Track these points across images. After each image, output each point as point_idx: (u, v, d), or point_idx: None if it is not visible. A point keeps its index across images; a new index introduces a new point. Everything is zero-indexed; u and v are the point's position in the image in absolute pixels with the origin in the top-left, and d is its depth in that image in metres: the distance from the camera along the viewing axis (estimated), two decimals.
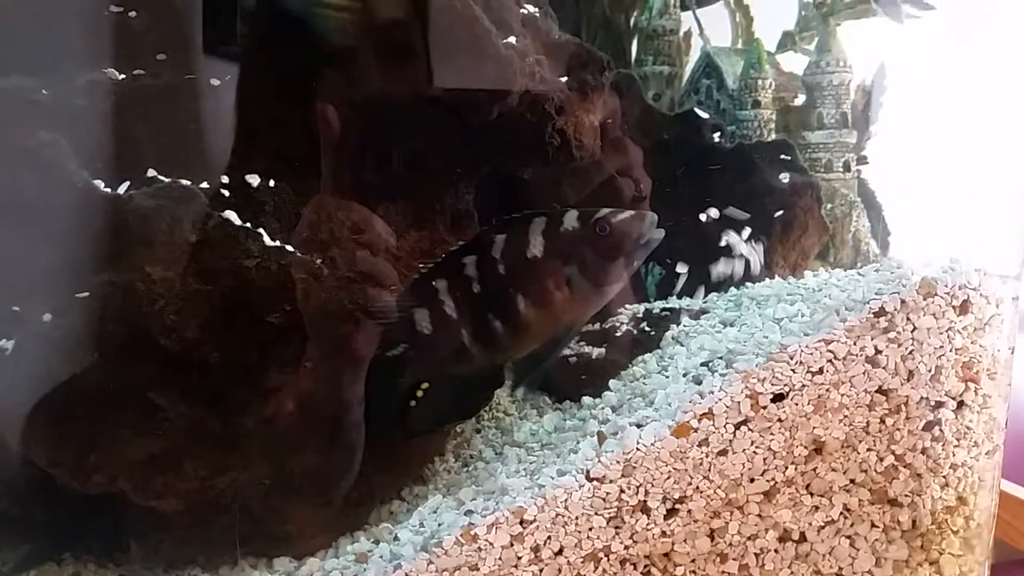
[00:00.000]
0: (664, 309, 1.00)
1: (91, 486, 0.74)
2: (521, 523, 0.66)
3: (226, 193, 0.79)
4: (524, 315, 0.77)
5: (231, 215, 0.78)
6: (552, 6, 0.94)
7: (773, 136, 1.14)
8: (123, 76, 0.80)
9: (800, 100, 1.20)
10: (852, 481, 0.71)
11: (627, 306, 1.01)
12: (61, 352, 0.75)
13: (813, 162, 1.14)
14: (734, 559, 0.70)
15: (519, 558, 0.65)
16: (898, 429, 0.71)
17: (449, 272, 0.78)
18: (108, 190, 0.76)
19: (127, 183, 0.76)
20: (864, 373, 0.70)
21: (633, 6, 1.25)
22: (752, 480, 0.69)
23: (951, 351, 0.72)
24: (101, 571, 0.81)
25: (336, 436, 0.78)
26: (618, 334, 0.98)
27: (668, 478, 0.67)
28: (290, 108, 0.86)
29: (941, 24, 1.00)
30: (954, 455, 0.73)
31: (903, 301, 0.71)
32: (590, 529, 0.67)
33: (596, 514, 0.67)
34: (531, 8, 0.88)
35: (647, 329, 0.97)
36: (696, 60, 1.23)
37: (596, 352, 0.97)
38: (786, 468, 0.69)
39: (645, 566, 0.68)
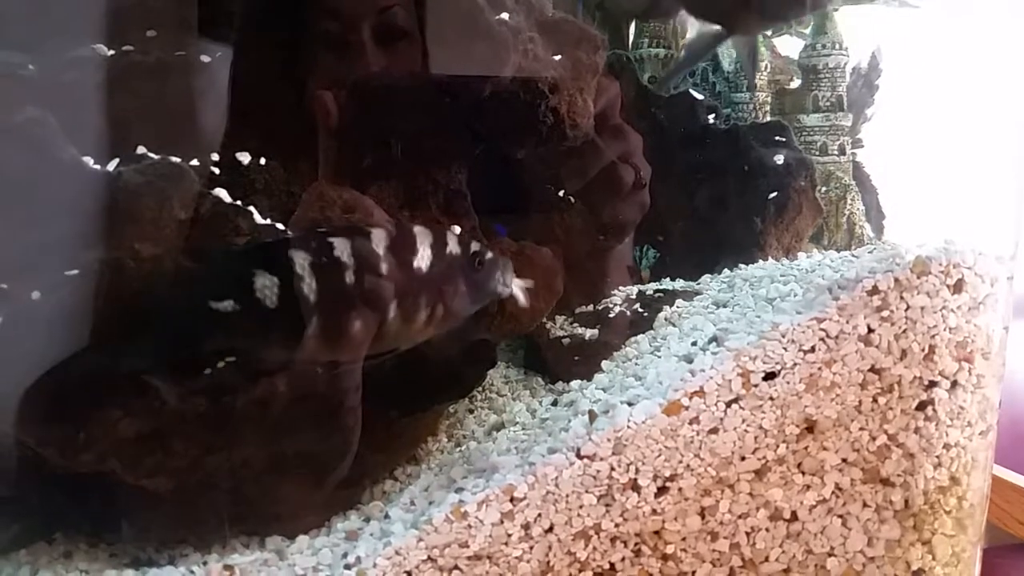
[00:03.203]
0: (657, 290, 1.00)
1: (80, 465, 0.74)
2: (511, 501, 0.65)
3: (216, 171, 0.78)
4: (388, 324, 0.73)
5: (222, 192, 0.77)
6: None
7: (768, 118, 1.14)
8: (112, 52, 0.79)
9: (796, 83, 1.19)
10: (844, 460, 0.71)
11: (620, 287, 1.01)
12: (49, 330, 0.74)
13: (808, 145, 1.14)
14: (725, 537, 0.70)
15: (509, 535, 0.65)
16: (891, 408, 0.71)
17: (313, 248, 0.71)
18: (97, 167, 0.75)
19: (116, 160, 0.76)
20: (857, 352, 0.70)
21: None
22: (743, 458, 0.69)
23: (945, 330, 0.71)
24: (92, 550, 0.80)
25: (334, 420, 0.78)
26: (611, 315, 0.98)
27: (659, 456, 0.67)
28: (283, 87, 0.85)
29: (937, 6, 1.00)
30: (947, 435, 0.73)
31: (896, 279, 0.70)
32: (580, 507, 0.66)
33: (586, 492, 0.66)
34: None
35: (640, 310, 0.97)
36: None
37: (589, 333, 0.97)
38: (777, 447, 0.69)
39: (635, 544, 0.68)
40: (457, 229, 0.78)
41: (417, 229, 0.74)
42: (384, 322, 0.73)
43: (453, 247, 0.74)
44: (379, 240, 0.72)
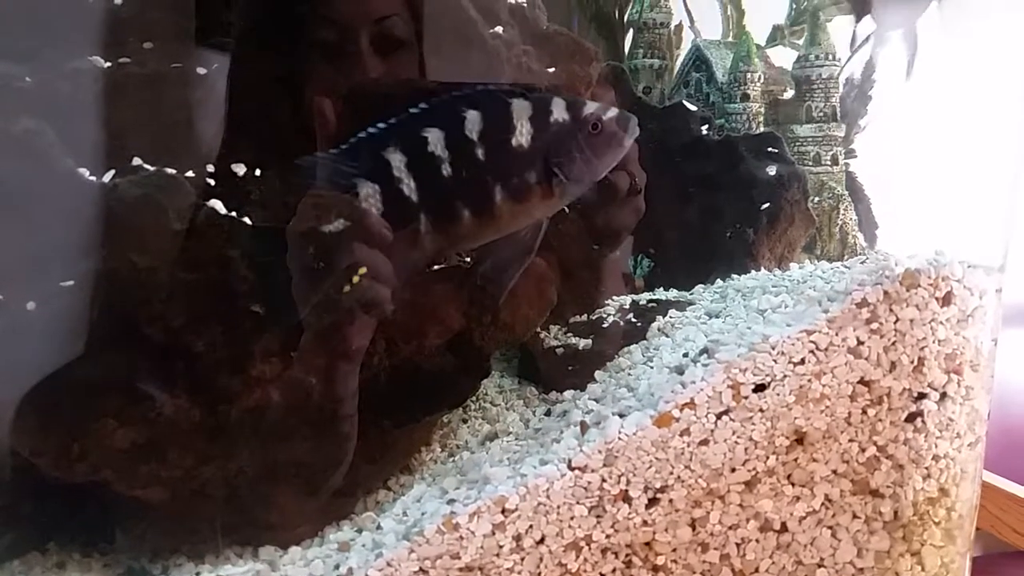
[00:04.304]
0: (651, 300, 1.00)
1: (75, 475, 0.74)
2: (503, 512, 0.66)
3: (212, 182, 0.79)
4: (499, 207, 0.73)
5: (217, 204, 0.78)
6: None
7: (762, 129, 1.15)
8: (109, 64, 0.80)
9: (789, 94, 1.20)
10: (834, 472, 0.72)
11: (615, 297, 1.02)
12: (45, 341, 0.75)
13: (801, 155, 1.15)
14: (715, 549, 0.70)
15: (501, 547, 0.66)
16: (880, 420, 0.72)
17: (408, 146, 0.72)
18: (93, 178, 0.76)
19: (112, 171, 0.76)
20: (846, 364, 0.70)
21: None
22: (733, 470, 0.69)
23: (934, 342, 0.72)
24: (86, 560, 0.81)
25: (329, 428, 0.78)
26: (605, 325, 0.99)
27: (650, 467, 0.68)
28: (279, 97, 0.86)
29: (930, 17, 1.00)
30: (936, 446, 0.73)
31: (886, 292, 0.71)
32: (572, 518, 0.67)
33: (578, 503, 0.67)
34: None
35: (634, 320, 0.97)
36: (686, 53, 1.23)
37: (583, 343, 0.97)
38: (767, 458, 0.70)
39: (626, 555, 0.68)
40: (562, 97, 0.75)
41: (515, 104, 0.73)
42: (492, 206, 0.72)
43: (560, 115, 0.73)
44: (472, 124, 0.71)
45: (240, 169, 0.81)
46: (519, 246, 0.78)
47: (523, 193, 0.73)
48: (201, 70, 0.83)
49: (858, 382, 0.71)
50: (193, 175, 0.78)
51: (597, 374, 0.87)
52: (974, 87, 0.90)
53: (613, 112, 0.75)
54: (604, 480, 0.67)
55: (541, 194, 0.74)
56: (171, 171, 0.77)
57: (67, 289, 0.74)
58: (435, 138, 0.72)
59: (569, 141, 0.73)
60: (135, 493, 0.76)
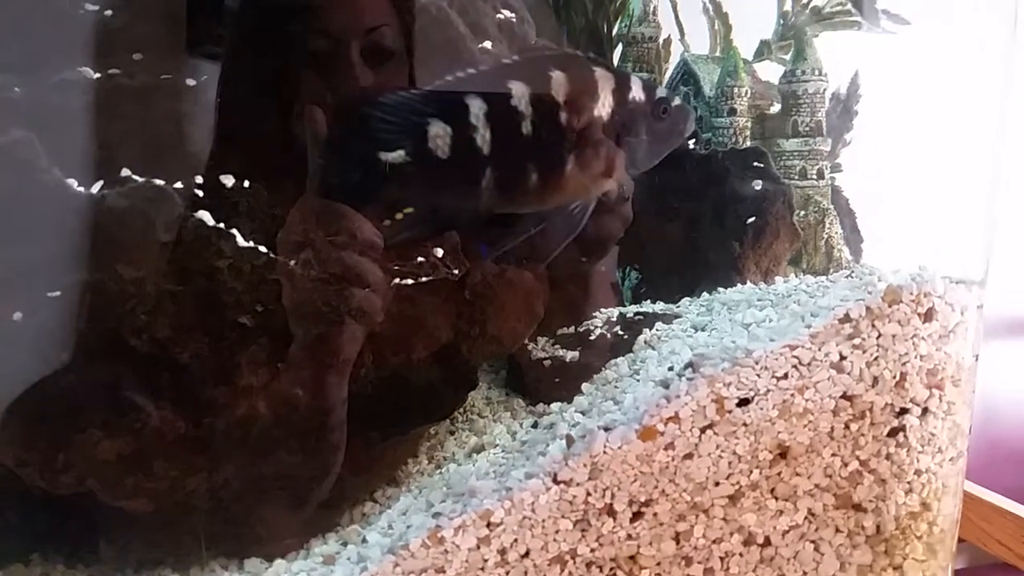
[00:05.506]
0: (638, 313, 1.01)
1: (59, 486, 0.74)
2: (488, 526, 0.66)
3: (200, 193, 0.79)
4: (567, 176, 0.71)
5: (205, 215, 0.78)
6: (532, 13, 0.95)
7: (748, 143, 1.16)
8: (98, 75, 0.80)
9: (775, 108, 1.21)
10: (817, 486, 0.72)
11: (603, 309, 1.02)
12: (30, 352, 0.74)
13: (787, 169, 1.15)
14: (699, 562, 0.70)
15: (486, 560, 0.66)
16: (863, 435, 0.72)
17: (490, 97, 0.69)
18: (81, 189, 0.76)
19: (100, 183, 0.76)
20: (829, 379, 0.71)
21: (614, 13, 1.26)
22: (717, 484, 0.70)
23: (916, 358, 0.73)
24: (70, 572, 0.80)
25: (318, 439, 0.78)
26: (593, 337, 0.99)
27: (634, 481, 0.68)
28: (269, 109, 0.86)
29: (913, 35, 1.02)
30: (918, 461, 0.74)
31: (868, 308, 0.71)
32: (556, 532, 0.67)
33: (563, 517, 0.67)
34: (508, 13, 0.89)
35: (621, 332, 0.97)
36: (674, 67, 1.24)
37: (570, 355, 0.98)
38: (751, 472, 0.70)
39: (611, 569, 0.69)
40: (637, 77, 0.75)
41: (599, 73, 0.71)
42: (561, 173, 0.70)
43: (637, 93, 0.72)
44: (559, 87, 0.70)
45: (228, 180, 0.82)
46: (569, 220, 0.75)
47: (591, 166, 0.71)
48: (191, 81, 0.83)
49: (841, 397, 0.71)
50: (181, 186, 0.78)
51: (584, 386, 0.88)
52: (955, 101, 0.91)
53: (678, 100, 0.74)
54: (589, 494, 0.67)
55: (605, 170, 0.72)
56: (159, 182, 0.77)
57: (53, 300, 0.74)
58: (519, 93, 0.69)
59: (640, 121, 0.72)
60: (120, 504, 0.76)
